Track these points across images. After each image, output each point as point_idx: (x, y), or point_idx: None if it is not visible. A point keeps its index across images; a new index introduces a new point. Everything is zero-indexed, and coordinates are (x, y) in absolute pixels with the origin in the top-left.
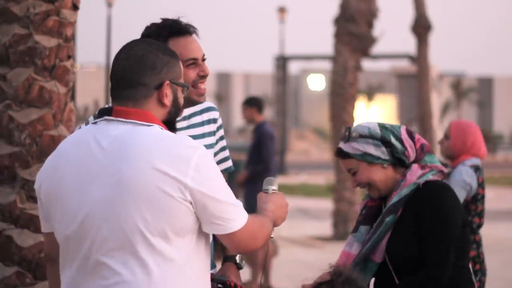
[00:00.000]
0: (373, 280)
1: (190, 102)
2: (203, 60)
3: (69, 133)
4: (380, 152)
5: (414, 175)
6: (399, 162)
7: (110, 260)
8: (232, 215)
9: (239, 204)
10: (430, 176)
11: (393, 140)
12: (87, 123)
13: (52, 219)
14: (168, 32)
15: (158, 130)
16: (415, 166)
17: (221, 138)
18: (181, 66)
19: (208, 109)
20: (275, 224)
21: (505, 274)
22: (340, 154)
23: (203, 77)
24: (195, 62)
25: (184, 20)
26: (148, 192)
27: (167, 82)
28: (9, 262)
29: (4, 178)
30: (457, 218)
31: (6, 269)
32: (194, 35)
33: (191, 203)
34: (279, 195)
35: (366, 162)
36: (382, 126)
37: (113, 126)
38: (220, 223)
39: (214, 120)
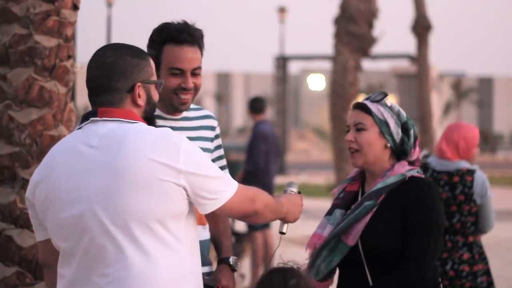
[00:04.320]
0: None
1: (174, 108)
2: (194, 73)
3: (69, 133)
4: (396, 131)
5: (402, 167)
6: (400, 152)
7: (111, 248)
8: (223, 187)
9: (226, 175)
10: (416, 173)
11: (411, 132)
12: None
13: (48, 224)
14: (163, 38)
15: (143, 125)
16: (404, 162)
17: (219, 147)
18: (152, 64)
19: (207, 117)
20: (286, 218)
21: (505, 274)
22: (361, 106)
23: (184, 89)
24: (180, 73)
25: (197, 26)
26: (145, 180)
27: (138, 84)
28: (9, 262)
29: (4, 178)
30: (443, 218)
31: (6, 269)
32: (193, 46)
33: (184, 188)
34: (296, 195)
35: (379, 129)
36: (409, 118)
37: (100, 126)
38: (216, 197)
39: (212, 128)
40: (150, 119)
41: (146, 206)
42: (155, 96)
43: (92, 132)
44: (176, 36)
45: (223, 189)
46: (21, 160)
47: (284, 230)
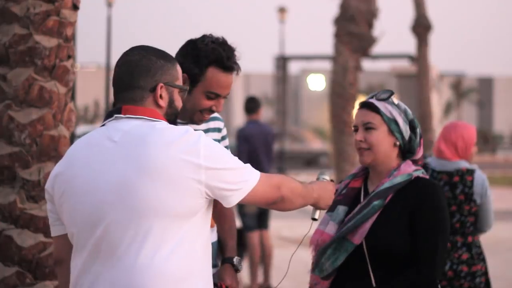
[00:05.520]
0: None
1: (191, 121)
2: (225, 97)
3: (69, 133)
4: (404, 129)
5: (409, 167)
6: (408, 150)
7: (123, 240)
8: (246, 176)
9: (247, 165)
10: (421, 174)
11: (417, 130)
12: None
13: (64, 216)
14: (212, 60)
15: (166, 123)
16: (409, 161)
17: (225, 148)
18: (179, 70)
19: (214, 119)
20: (318, 205)
21: (506, 274)
22: (369, 105)
23: (212, 111)
24: (216, 98)
25: (237, 53)
26: (164, 175)
27: (161, 84)
28: (9, 262)
29: (4, 178)
30: (449, 218)
31: (6, 269)
32: (234, 73)
33: (205, 185)
34: (328, 182)
35: (388, 127)
36: (414, 116)
37: (123, 123)
38: (239, 187)
39: (218, 130)
40: (171, 123)
41: (163, 201)
42: (178, 101)
43: (115, 128)
44: (226, 63)
45: (245, 178)
46: (21, 160)
47: (316, 217)
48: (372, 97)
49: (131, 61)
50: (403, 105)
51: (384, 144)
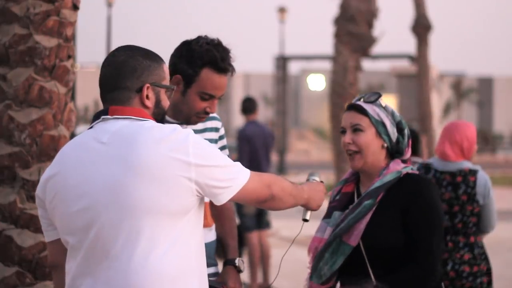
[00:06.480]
0: None
1: (186, 123)
2: (219, 98)
3: (69, 133)
4: (391, 131)
5: (397, 165)
6: (396, 152)
7: (117, 241)
8: (235, 174)
9: (237, 163)
10: (410, 170)
11: (405, 131)
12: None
13: (56, 219)
14: (206, 61)
15: (154, 122)
16: (398, 160)
17: (223, 147)
18: (166, 69)
19: (211, 118)
20: (309, 206)
21: (506, 274)
22: (356, 108)
23: (207, 113)
24: (210, 99)
25: (232, 55)
26: (155, 174)
27: (147, 85)
28: (9, 262)
29: (4, 178)
30: (442, 211)
31: (6, 269)
32: (228, 75)
33: (195, 183)
34: (318, 183)
35: (376, 129)
36: (401, 117)
37: (111, 124)
38: (229, 185)
39: (216, 129)
40: (159, 122)
41: (155, 200)
42: (165, 101)
43: (102, 130)
44: (220, 64)
45: (235, 176)
46: (21, 160)
47: (307, 217)
48: (359, 99)
49: (117, 62)
50: (390, 107)
51: (372, 146)
